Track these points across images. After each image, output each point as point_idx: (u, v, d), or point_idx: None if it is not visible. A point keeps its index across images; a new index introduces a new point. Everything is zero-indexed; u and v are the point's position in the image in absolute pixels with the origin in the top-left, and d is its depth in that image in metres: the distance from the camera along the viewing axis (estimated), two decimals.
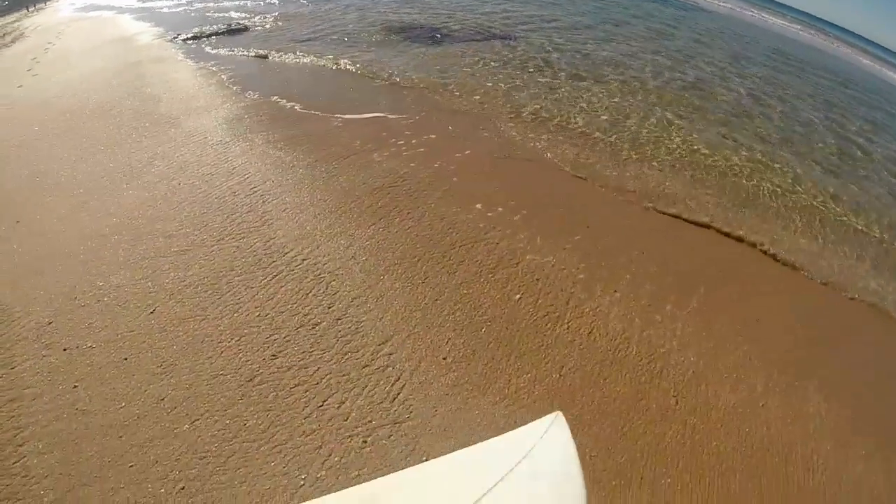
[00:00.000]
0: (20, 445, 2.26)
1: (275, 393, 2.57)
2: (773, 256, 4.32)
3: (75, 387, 2.53)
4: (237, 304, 3.00)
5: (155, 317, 2.90)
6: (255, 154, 4.51)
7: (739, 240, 4.44)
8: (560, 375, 2.90)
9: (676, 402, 2.81)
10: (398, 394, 2.67)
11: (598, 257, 3.79)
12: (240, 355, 2.73)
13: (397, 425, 2.54)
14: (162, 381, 2.59)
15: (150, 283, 3.10)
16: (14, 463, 2.19)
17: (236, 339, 2.80)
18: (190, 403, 2.51)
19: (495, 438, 2.05)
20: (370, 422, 2.54)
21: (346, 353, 2.79)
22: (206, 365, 2.68)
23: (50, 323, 2.80)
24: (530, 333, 3.15)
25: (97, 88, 5.89)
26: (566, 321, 3.25)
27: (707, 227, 4.53)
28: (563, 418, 2.09)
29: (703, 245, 4.26)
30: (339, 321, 2.97)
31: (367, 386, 2.67)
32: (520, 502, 1.80)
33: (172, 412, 2.48)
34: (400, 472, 1.83)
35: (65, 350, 2.67)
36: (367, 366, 2.75)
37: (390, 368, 2.77)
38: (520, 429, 2.09)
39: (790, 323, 3.59)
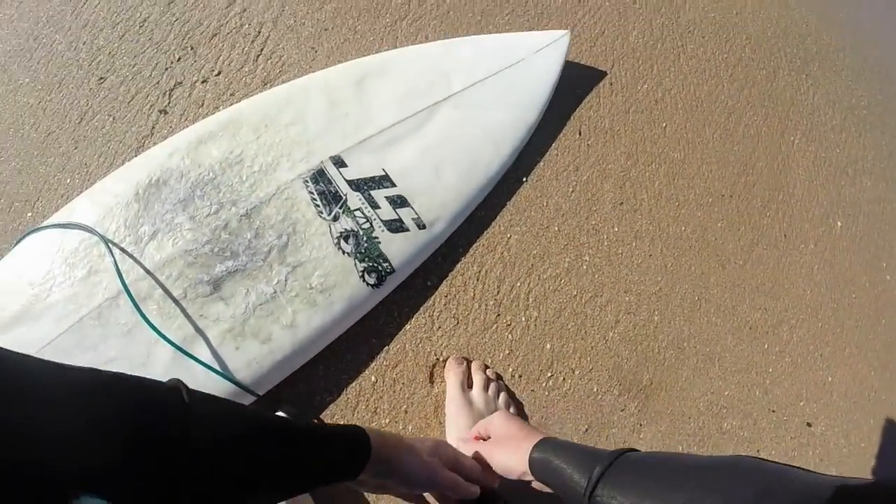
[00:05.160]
0: None
1: (111, 118, 1.82)
2: None
3: None
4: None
5: None
6: None
7: None
8: None
9: None
10: (261, 50, 1.79)
11: None
12: (63, 103, 1.96)
13: (267, 85, 1.73)
14: None
15: None
16: None
17: (51, 92, 2.01)
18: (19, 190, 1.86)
19: (484, 37, 1.89)
20: (232, 95, 1.73)
21: (186, 33, 1.89)
22: (31, 135, 1.96)
23: None
24: None
25: None
26: None
27: None
28: (567, 40, 1.81)
29: None
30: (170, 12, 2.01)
31: (220, 57, 1.82)
32: (468, 116, 1.63)
33: None
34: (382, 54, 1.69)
35: None
36: (215, 35, 1.86)
37: (246, 26, 1.86)
38: (516, 35, 1.81)
39: None
